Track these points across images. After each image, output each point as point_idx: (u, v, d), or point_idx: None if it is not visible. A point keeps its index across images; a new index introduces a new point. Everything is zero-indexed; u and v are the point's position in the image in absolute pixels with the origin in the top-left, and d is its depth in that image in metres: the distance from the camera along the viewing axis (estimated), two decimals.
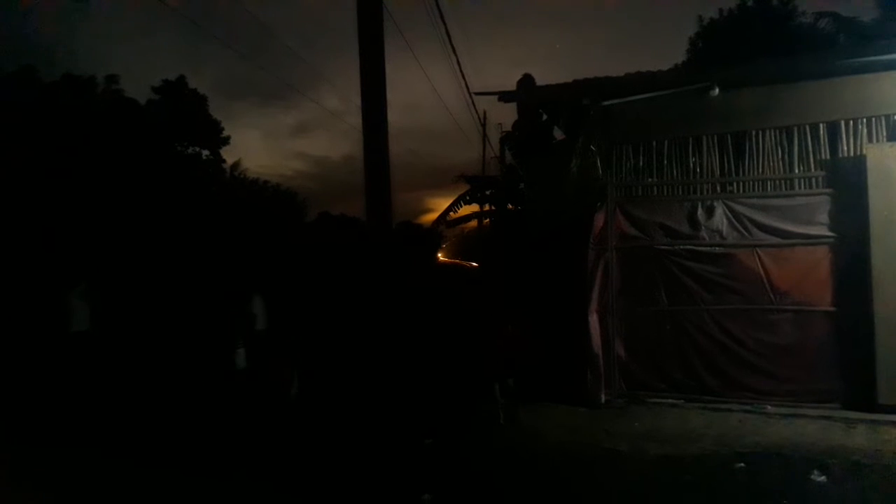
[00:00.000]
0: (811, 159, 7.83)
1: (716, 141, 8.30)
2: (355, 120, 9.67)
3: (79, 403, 8.46)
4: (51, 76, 21.19)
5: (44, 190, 15.88)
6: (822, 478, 5.44)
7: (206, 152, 26.53)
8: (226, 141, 27.13)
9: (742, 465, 5.83)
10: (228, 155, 27.43)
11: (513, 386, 7.77)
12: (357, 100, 9.56)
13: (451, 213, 15.39)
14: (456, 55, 13.11)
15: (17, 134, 15.95)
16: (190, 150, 25.78)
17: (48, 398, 8.66)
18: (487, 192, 14.96)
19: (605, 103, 8.54)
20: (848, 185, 7.47)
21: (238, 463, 6.20)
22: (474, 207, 15.91)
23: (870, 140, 7.55)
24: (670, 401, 8.05)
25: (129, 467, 6.04)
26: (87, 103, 20.43)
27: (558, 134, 10.69)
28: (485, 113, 22.84)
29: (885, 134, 7.53)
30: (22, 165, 15.83)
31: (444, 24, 12.80)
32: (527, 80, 11.03)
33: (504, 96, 9.57)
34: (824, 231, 7.61)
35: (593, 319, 8.35)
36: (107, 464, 6.18)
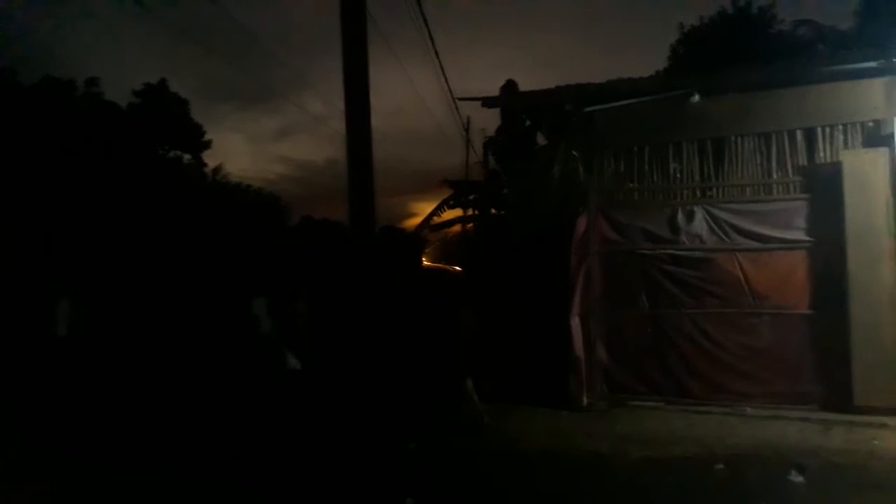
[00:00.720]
0: (789, 165, 7.98)
1: (696, 147, 8.42)
2: (338, 124, 9.64)
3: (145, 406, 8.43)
4: (30, 79, 20.99)
5: (27, 193, 15.68)
6: (800, 478, 5.50)
7: (187, 156, 26.35)
8: (207, 145, 26.96)
9: (721, 466, 5.88)
10: (210, 159, 27.29)
11: (490, 389, 7.82)
12: (340, 104, 9.57)
13: (435, 218, 15.44)
14: (439, 59, 13.19)
15: None
16: (171, 154, 25.59)
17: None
18: (471, 197, 15.01)
19: (588, 109, 8.65)
20: (825, 190, 7.60)
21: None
22: (458, 212, 15.95)
23: (846, 146, 7.72)
24: (651, 404, 8.13)
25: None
26: (68, 107, 20.22)
27: (541, 139, 10.79)
28: (468, 118, 22.92)
29: (860, 140, 7.69)
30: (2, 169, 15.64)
31: (428, 27, 12.87)
32: (510, 85, 11.12)
33: (487, 102, 9.65)
34: (802, 235, 7.74)
35: (575, 323, 8.41)
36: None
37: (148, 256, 15.90)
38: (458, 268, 18.06)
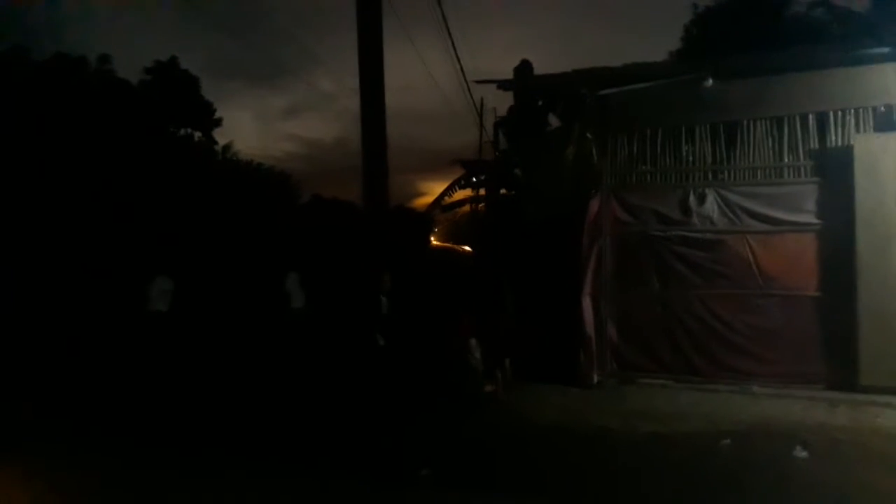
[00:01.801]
0: (800, 149, 8.04)
1: (709, 130, 8.49)
2: (348, 102, 9.76)
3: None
4: (41, 56, 21.07)
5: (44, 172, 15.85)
6: (804, 453, 5.71)
7: (198, 134, 26.44)
8: (218, 122, 27.03)
9: (727, 441, 6.09)
10: (220, 137, 27.37)
11: (508, 367, 8.02)
12: (350, 82, 9.70)
13: (446, 198, 15.53)
14: (452, 39, 13.23)
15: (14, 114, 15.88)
16: (182, 132, 25.69)
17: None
18: (482, 177, 15.08)
19: (602, 93, 8.72)
20: (835, 174, 7.69)
21: None
22: (469, 192, 16.04)
23: (857, 130, 7.77)
24: (660, 381, 8.32)
25: None
26: (80, 83, 20.32)
27: (554, 121, 10.87)
28: (482, 99, 22.88)
29: (872, 124, 7.75)
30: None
31: (440, 6, 12.92)
32: (524, 65, 11.19)
33: (502, 85, 9.73)
34: (812, 219, 7.85)
35: (587, 303, 8.57)
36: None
37: (181, 234, 16.01)
38: (468, 248, 18.21)
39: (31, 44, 20.85)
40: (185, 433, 6.69)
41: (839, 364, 7.55)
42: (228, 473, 5.59)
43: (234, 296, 12.43)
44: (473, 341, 8.20)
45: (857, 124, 7.80)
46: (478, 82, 12.39)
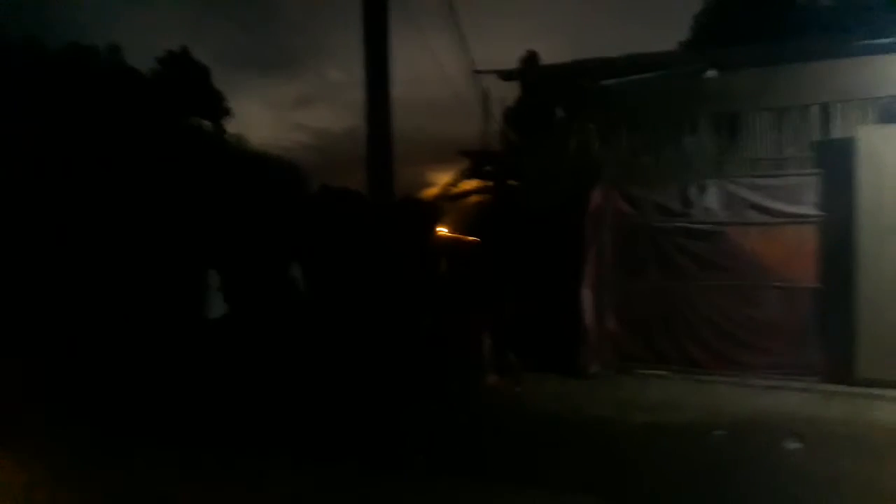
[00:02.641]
0: (802, 140, 8.02)
1: (710, 121, 8.48)
2: (356, 92, 9.78)
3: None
4: (54, 46, 21.25)
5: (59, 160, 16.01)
6: (797, 445, 5.73)
7: (208, 123, 26.60)
8: (228, 112, 27.19)
9: (721, 432, 6.11)
10: (230, 127, 27.50)
11: (516, 361, 8.10)
12: (358, 73, 9.72)
13: (452, 188, 15.57)
14: (459, 29, 13.19)
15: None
16: (193, 122, 25.86)
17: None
18: (488, 168, 15.10)
19: (604, 83, 8.72)
20: (837, 166, 7.66)
21: None
22: (475, 182, 16.06)
23: (860, 122, 7.73)
24: (659, 373, 8.35)
25: None
26: (93, 73, 20.49)
27: (560, 112, 10.85)
28: (488, 89, 22.79)
29: (875, 116, 7.71)
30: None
31: None
32: (530, 56, 11.19)
33: (505, 75, 9.75)
34: (813, 210, 7.83)
35: (587, 294, 8.61)
36: None
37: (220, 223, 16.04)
38: (474, 238, 18.25)
39: (44, 34, 21.07)
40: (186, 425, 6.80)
41: (838, 356, 7.55)
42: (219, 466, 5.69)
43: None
44: (485, 332, 8.28)
45: (860, 116, 7.76)
46: (479, 72, 12.38)
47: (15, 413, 7.11)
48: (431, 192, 18.69)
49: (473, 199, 17.35)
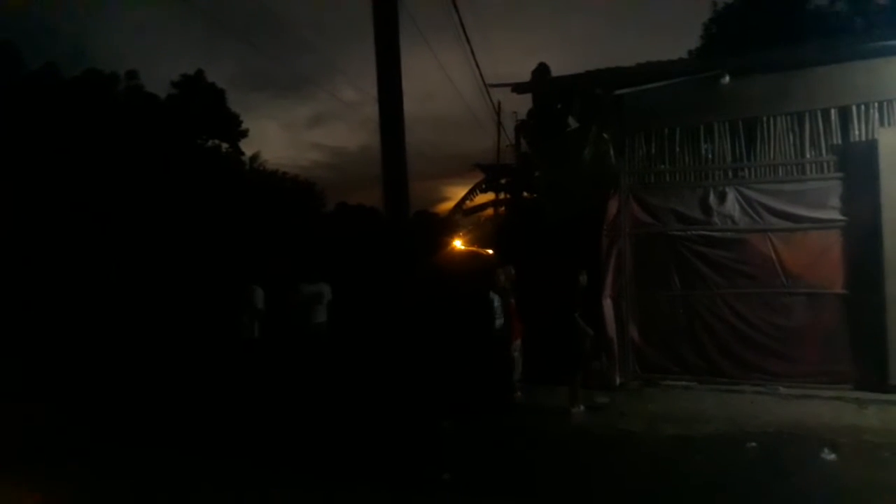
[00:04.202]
0: (823, 144, 7.90)
1: (727, 127, 8.38)
2: (370, 110, 9.82)
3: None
4: (71, 73, 21.66)
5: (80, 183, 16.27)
6: (832, 456, 5.58)
7: (225, 145, 26.92)
8: (244, 133, 27.51)
9: (753, 444, 5.99)
10: (246, 147, 27.83)
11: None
12: (373, 90, 9.76)
13: (468, 202, 15.59)
14: (469, 44, 13.26)
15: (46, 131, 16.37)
16: (209, 144, 26.18)
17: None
18: (503, 181, 15.10)
19: (618, 92, 8.66)
20: (860, 169, 7.54)
21: None
22: (490, 196, 16.07)
23: (882, 124, 7.60)
24: (684, 383, 8.22)
25: None
26: (111, 99, 20.85)
27: (573, 122, 10.82)
28: (499, 102, 22.89)
29: None
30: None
31: (458, 12, 12.92)
32: (541, 68, 11.16)
33: (518, 88, 9.73)
34: (836, 215, 7.70)
35: (607, 304, 8.52)
36: None
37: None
38: (490, 251, 18.21)
39: (61, 61, 21.52)
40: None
41: (868, 363, 7.39)
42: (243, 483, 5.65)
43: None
44: (518, 346, 8.19)
45: (881, 118, 7.64)
46: (492, 86, 12.40)
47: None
48: (447, 206, 18.70)
49: (489, 212, 17.38)
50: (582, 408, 7.38)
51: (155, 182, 18.24)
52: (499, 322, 7.86)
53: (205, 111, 25.06)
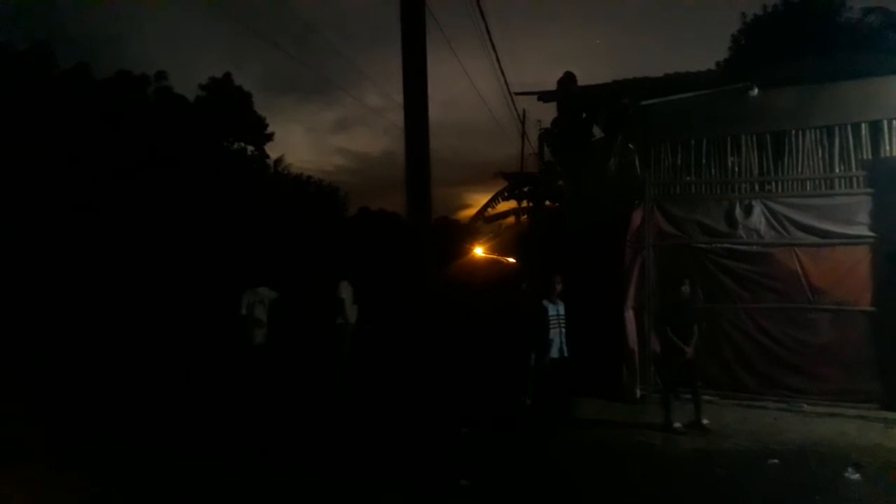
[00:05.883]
0: (852, 159, 7.83)
1: (754, 140, 8.34)
2: (395, 116, 9.89)
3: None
4: (103, 74, 22.09)
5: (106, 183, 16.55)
6: (857, 475, 5.48)
7: (251, 148, 27.20)
8: (270, 137, 27.76)
9: (776, 461, 5.90)
10: (272, 151, 28.09)
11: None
12: (398, 96, 9.82)
13: (490, 210, 15.57)
14: (496, 51, 13.28)
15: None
16: (236, 146, 26.48)
17: None
18: (525, 189, 15.07)
19: (644, 103, 8.64)
20: (890, 184, 7.44)
21: None
22: (512, 204, 16.03)
23: None
24: (706, 397, 8.06)
25: None
26: (141, 100, 21.21)
27: (598, 132, 10.81)
28: (524, 111, 22.89)
29: None
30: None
31: (485, 20, 12.97)
32: (568, 77, 11.16)
33: (544, 96, 9.75)
34: (864, 231, 7.60)
35: (629, 316, 8.47)
36: None
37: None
38: (512, 259, 18.18)
39: (92, 62, 21.92)
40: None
41: (895, 382, 7.25)
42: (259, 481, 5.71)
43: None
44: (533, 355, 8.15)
45: None
46: (518, 94, 12.41)
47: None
48: (468, 213, 18.72)
49: (510, 220, 17.33)
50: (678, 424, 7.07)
51: (182, 183, 18.50)
52: (553, 332, 7.53)
53: (232, 114, 25.37)
